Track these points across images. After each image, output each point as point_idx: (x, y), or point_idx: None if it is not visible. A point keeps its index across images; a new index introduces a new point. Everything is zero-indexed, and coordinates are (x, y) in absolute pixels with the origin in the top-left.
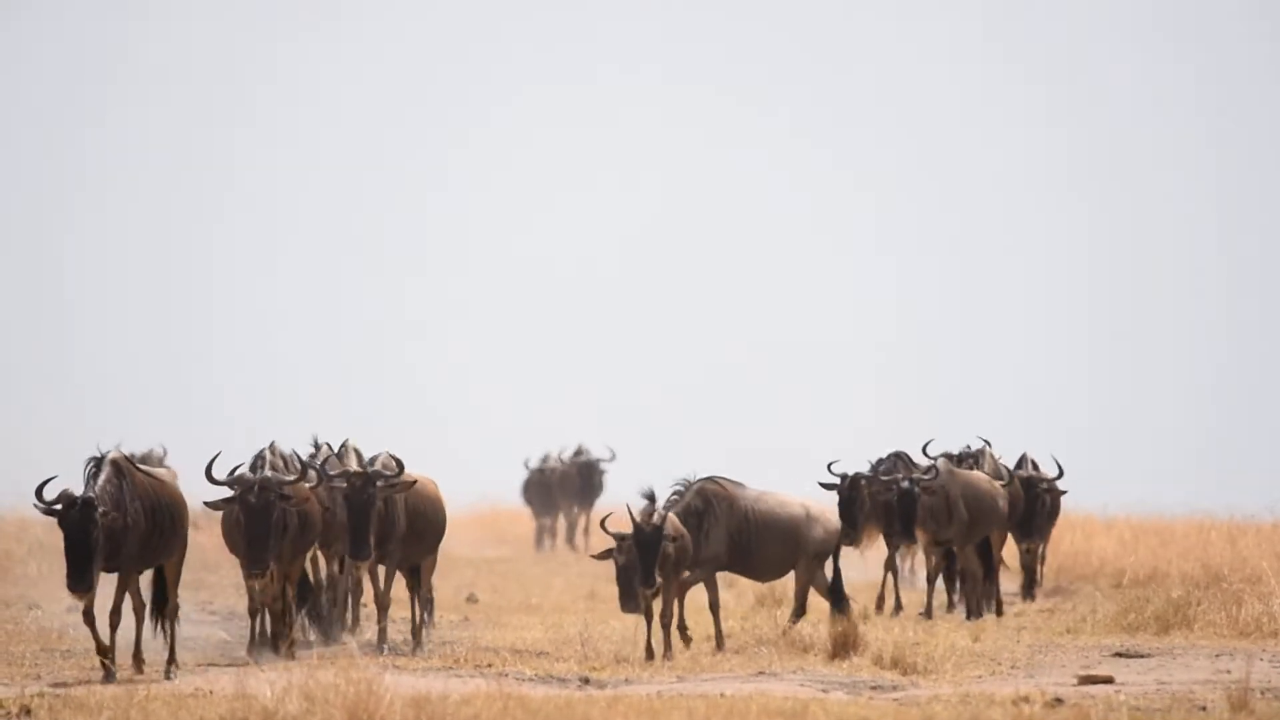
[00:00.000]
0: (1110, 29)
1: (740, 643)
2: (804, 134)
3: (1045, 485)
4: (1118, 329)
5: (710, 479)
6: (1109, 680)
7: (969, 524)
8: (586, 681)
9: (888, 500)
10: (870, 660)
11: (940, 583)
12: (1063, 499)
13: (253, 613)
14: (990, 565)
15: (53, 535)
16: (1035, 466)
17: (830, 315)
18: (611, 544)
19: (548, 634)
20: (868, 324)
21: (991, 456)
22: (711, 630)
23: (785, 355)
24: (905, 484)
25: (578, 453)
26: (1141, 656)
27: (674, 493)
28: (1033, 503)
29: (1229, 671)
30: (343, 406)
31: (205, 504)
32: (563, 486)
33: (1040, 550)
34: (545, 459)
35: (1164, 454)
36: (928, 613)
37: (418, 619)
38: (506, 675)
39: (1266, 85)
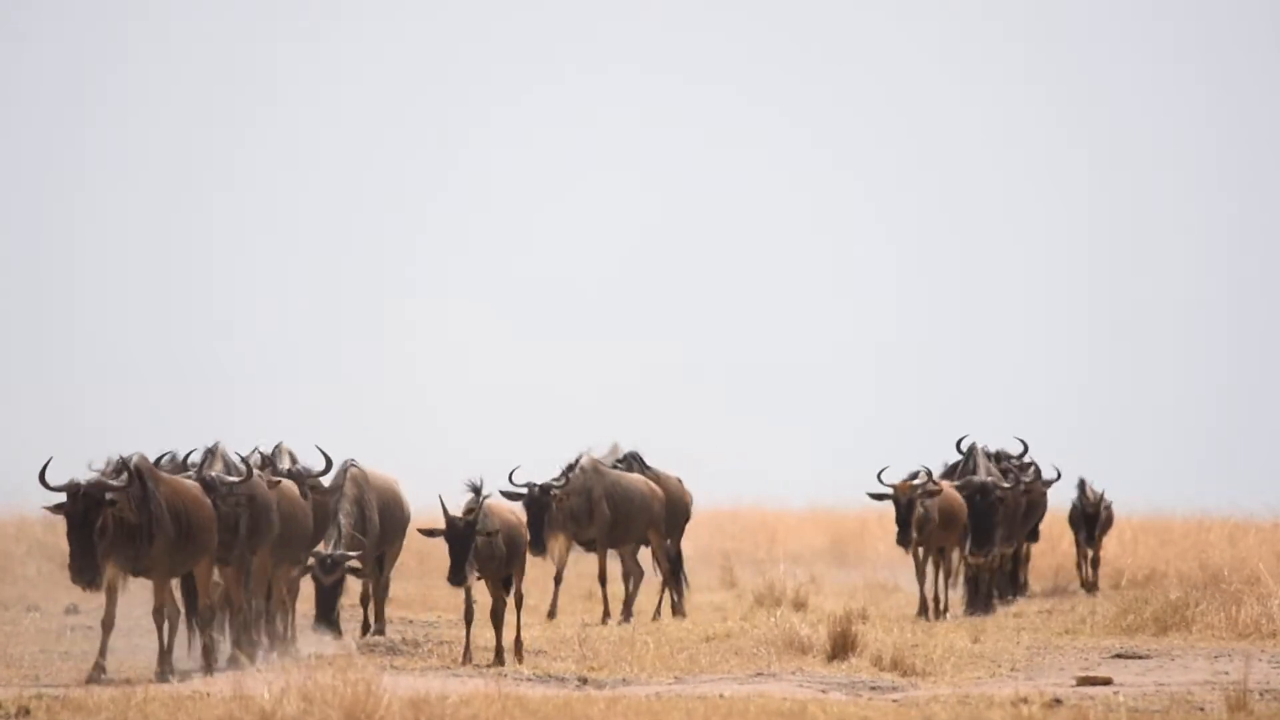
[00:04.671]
0: (1109, 28)
1: (739, 643)
2: (804, 134)
3: (996, 494)
4: (1118, 328)
5: (352, 461)
6: (1108, 682)
7: (612, 524)
8: (584, 681)
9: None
10: (869, 661)
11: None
12: (1053, 499)
13: (156, 616)
14: (678, 566)
15: (52, 535)
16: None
17: (831, 315)
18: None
19: (545, 633)
20: (869, 322)
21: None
22: (712, 630)
23: (787, 355)
24: (536, 490)
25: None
26: (1140, 658)
27: (342, 469)
28: (991, 510)
29: (1227, 673)
30: (351, 412)
31: (45, 508)
32: None
33: (1023, 552)
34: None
35: (1164, 453)
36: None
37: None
38: (505, 675)
39: (1267, 82)
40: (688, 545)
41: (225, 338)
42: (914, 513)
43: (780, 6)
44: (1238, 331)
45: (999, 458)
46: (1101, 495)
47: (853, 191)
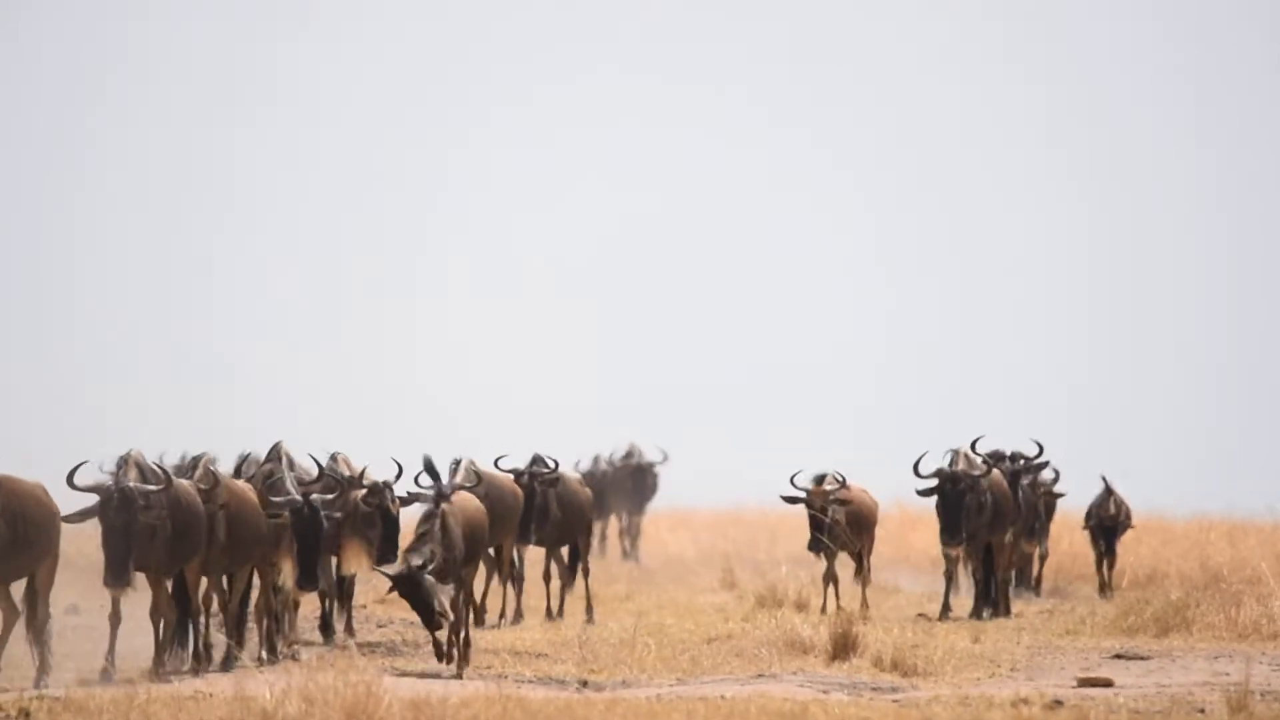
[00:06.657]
0: (1109, 27)
1: (740, 644)
2: (804, 137)
3: (965, 484)
4: (1117, 328)
5: (337, 453)
6: (1108, 683)
7: (493, 525)
8: (585, 684)
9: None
10: (870, 662)
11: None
12: (1055, 499)
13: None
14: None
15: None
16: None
17: (833, 316)
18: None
19: (546, 636)
20: (870, 324)
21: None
22: (713, 631)
23: (789, 356)
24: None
25: (628, 455)
26: (1141, 659)
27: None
28: (959, 499)
29: (1228, 674)
30: (352, 411)
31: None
32: (614, 489)
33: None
34: (595, 461)
35: (1164, 453)
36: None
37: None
38: (505, 677)
39: (1266, 82)
40: (689, 546)
41: (225, 337)
42: (828, 518)
43: (788, 9)
44: (1237, 331)
45: (1013, 458)
46: (1120, 501)
47: (855, 192)
